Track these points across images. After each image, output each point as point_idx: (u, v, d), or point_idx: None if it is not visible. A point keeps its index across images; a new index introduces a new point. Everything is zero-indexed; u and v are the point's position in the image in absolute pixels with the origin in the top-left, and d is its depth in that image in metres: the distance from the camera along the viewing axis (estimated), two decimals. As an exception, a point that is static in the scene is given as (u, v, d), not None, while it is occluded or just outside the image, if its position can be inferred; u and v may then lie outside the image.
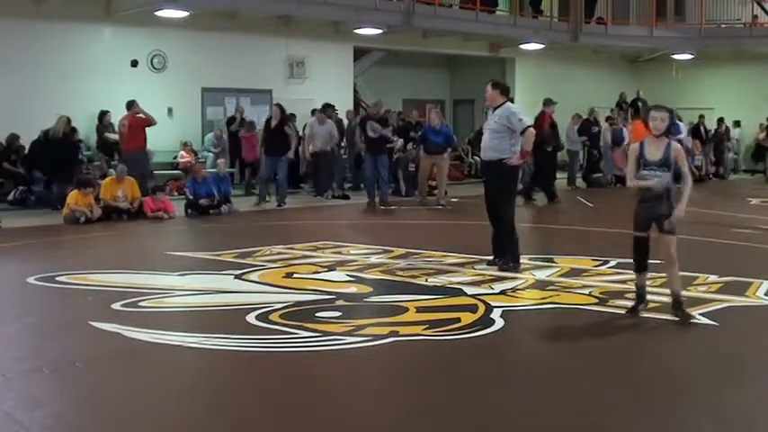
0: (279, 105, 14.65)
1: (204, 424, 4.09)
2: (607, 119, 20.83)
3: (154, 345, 5.36)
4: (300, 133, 15.98)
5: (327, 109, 16.96)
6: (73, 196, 11.87)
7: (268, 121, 14.38)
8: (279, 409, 4.28)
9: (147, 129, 13.89)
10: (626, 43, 23.10)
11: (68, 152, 13.48)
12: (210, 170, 14.61)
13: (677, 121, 17.35)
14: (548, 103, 15.43)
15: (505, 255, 7.91)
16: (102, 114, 15.39)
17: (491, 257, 8.07)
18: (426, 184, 14.77)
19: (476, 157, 19.78)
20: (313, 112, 17.61)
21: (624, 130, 18.78)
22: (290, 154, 14.41)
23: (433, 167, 14.56)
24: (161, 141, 16.02)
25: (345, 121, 17.97)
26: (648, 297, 6.61)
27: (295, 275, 7.74)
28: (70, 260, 8.97)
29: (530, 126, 7.87)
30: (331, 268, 8.05)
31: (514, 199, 8.20)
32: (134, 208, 12.33)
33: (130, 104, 14.18)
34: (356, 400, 4.48)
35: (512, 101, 8.27)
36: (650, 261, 8.21)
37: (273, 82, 18.01)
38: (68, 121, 13.66)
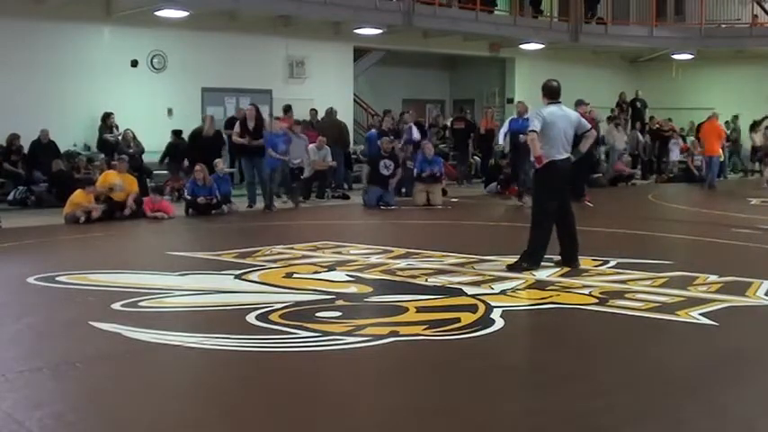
0: (255, 106, 14.58)
1: (204, 424, 4.09)
2: (610, 119, 20.83)
3: (154, 345, 5.36)
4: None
5: (332, 114, 17.07)
6: (78, 195, 11.91)
7: (244, 122, 14.02)
8: (278, 409, 4.28)
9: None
10: (626, 43, 23.12)
11: (217, 148, 14.90)
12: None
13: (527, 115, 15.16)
14: (578, 103, 14.67)
15: (570, 255, 7.96)
16: (107, 116, 15.41)
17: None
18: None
19: (475, 158, 19.82)
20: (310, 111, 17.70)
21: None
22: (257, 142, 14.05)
23: (428, 195, 14.51)
24: (161, 141, 16.03)
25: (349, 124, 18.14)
26: (648, 297, 6.64)
27: (295, 275, 7.74)
28: (70, 260, 8.97)
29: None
30: (331, 268, 8.05)
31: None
32: (133, 207, 12.34)
33: (287, 109, 16.62)
34: (356, 400, 4.47)
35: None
36: (649, 261, 8.28)
37: (273, 82, 18.02)
38: (213, 119, 15.28)
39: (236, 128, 14.12)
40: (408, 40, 19.85)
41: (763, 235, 10.75)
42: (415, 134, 16.44)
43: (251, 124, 13.90)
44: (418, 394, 4.50)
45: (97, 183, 12.36)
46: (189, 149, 15.09)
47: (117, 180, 12.45)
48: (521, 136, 13.68)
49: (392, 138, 16.75)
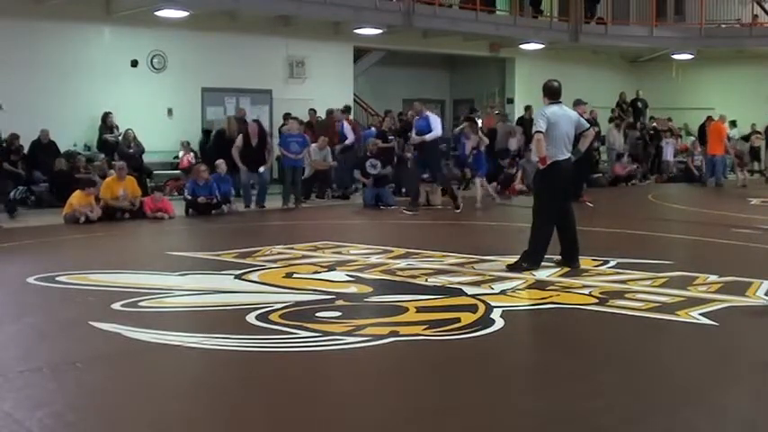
0: (258, 122, 14.57)
1: (203, 424, 4.10)
2: (611, 119, 20.83)
3: (154, 345, 5.36)
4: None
5: (346, 112, 17.20)
6: (76, 196, 11.89)
7: (246, 136, 14.01)
8: (278, 409, 4.28)
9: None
10: (626, 43, 23.11)
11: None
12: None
13: (426, 113, 13.21)
14: (577, 103, 13.81)
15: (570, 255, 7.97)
16: (106, 116, 15.40)
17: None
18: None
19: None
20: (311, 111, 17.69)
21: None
22: (262, 169, 14.12)
23: (427, 195, 14.46)
24: (161, 141, 16.04)
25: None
26: (648, 297, 6.64)
27: (295, 275, 7.74)
28: (70, 260, 8.97)
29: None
30: (331, 268, 8.05)
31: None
32: (135, 206, 12.37)
33: (347, 109, 17.45)
34: (356, 400, 4.47)
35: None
36: (650, 261, 8.28)
37: (273, 82, 18.01)
38: (232, 120, 15.57)
39: (239, 141, 14.06)
40: (408, 40, 19.85)
41: (763, 235, 10.75)
42: (349, 135, 16.56)
43: (255, 141, 13.90)
44: (418, 394, 4.50)
45: (101, 193, 12.29)
46: (215, 149, 15.22)
47: (121, 191, 12.41)
48: (425, 136, 13.22)
49: (392, 137, 16.78)
